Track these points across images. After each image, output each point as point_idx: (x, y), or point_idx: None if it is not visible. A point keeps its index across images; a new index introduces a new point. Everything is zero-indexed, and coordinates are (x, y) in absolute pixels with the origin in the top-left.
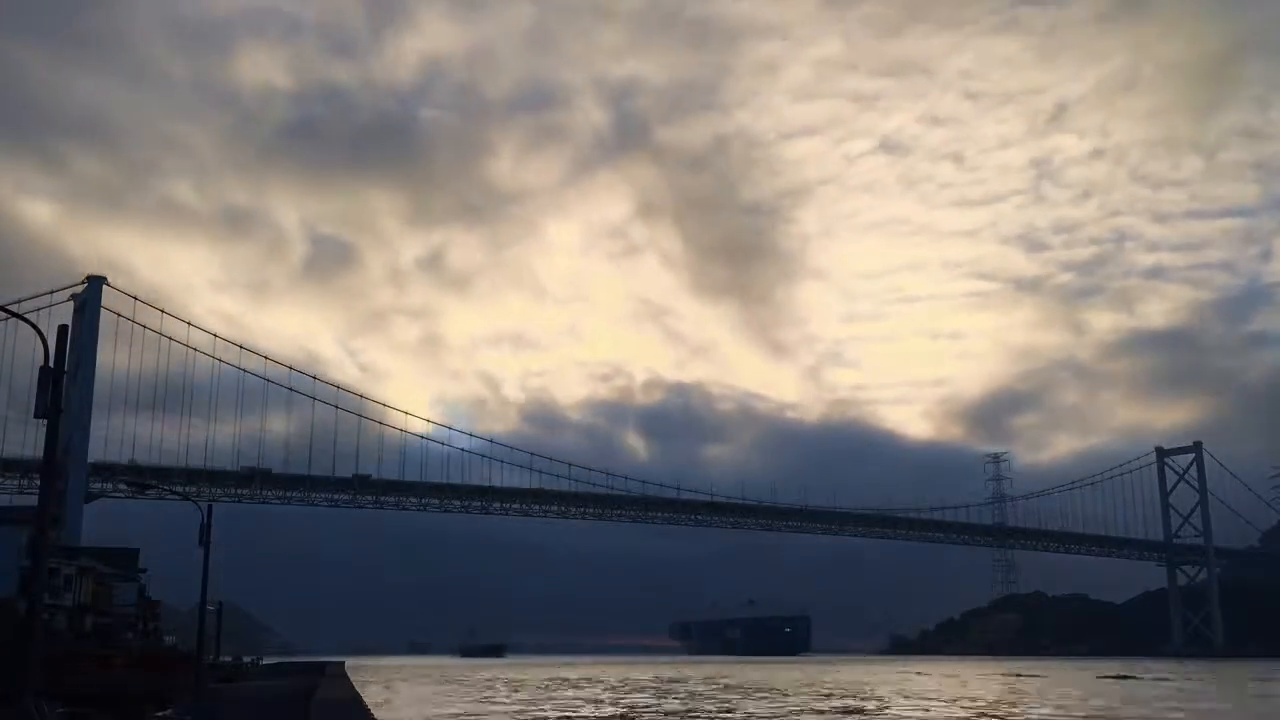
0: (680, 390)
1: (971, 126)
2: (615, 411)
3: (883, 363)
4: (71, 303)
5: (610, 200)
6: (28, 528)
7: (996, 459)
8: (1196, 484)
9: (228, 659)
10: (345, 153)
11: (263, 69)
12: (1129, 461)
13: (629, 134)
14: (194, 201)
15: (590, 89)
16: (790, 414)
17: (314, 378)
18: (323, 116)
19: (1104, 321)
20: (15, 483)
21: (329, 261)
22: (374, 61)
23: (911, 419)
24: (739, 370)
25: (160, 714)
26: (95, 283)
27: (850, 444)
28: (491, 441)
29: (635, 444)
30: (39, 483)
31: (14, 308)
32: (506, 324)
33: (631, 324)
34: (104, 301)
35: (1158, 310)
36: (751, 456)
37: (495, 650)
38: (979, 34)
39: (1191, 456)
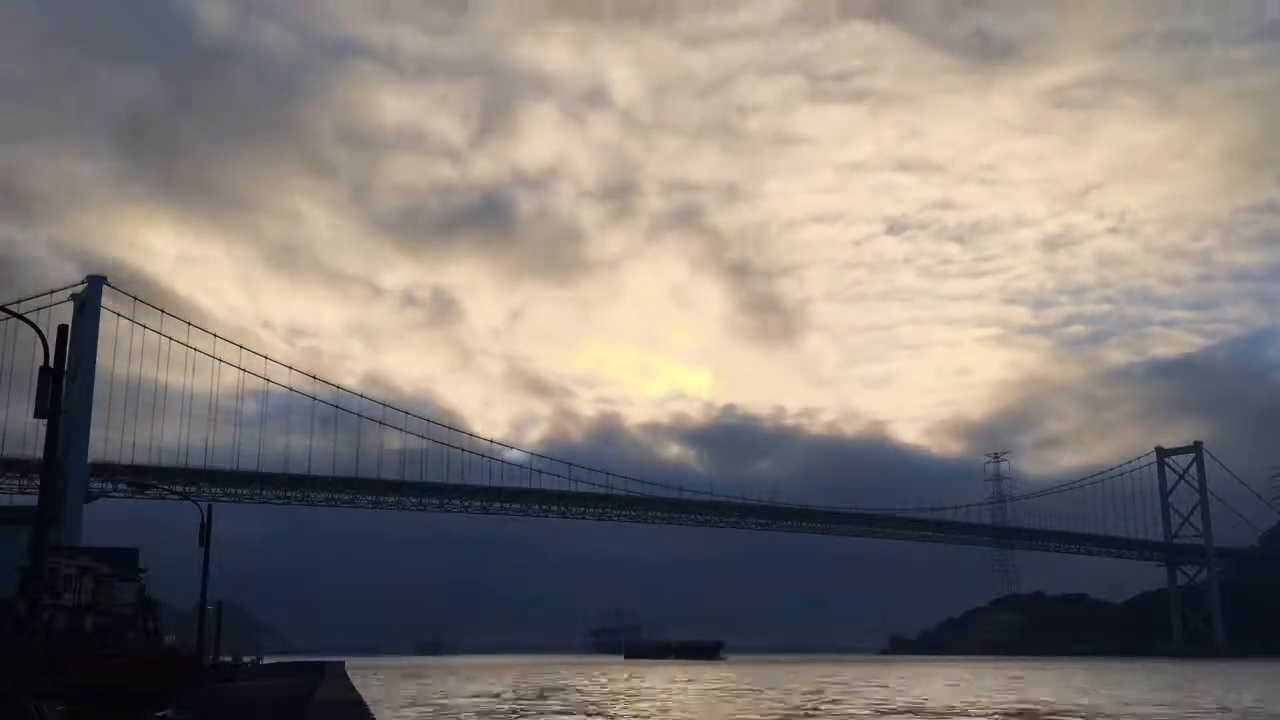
0: (727, 413)
1: (985, 210)
2: (671, 431)
3: (895, 395)
4: (71, 303)
5: (670, 266)
6: (28, 528)
7: (997, 458)
8: (1196, 484)
9: (228, 659)
10: (458, 230)
11: (401, 165)
12: (1129, 461)
13: (684, 217)
14: (342, 267)
15: (653, 183)
16: (815, 434)
17: (314, 377)
18: (440, 203)
19: (1114, 357)
20: (15, 483)
21: (440, 316)
22: (482, 160)
23: (920, 439)
24: (771, 399)
25: (160, 714)
26: (95, 283)
27: (868, 458)
28: (493, 442)
29: (686, 456)
30: (39, 483)
31: (14, 308)
32: (584, 363)
33: (688, 363)
34: (104, 301)
35: (1167, 351)
36: (781, 468)
37: (706, 651)
38: (1006, 133)
39: (1191, 457)
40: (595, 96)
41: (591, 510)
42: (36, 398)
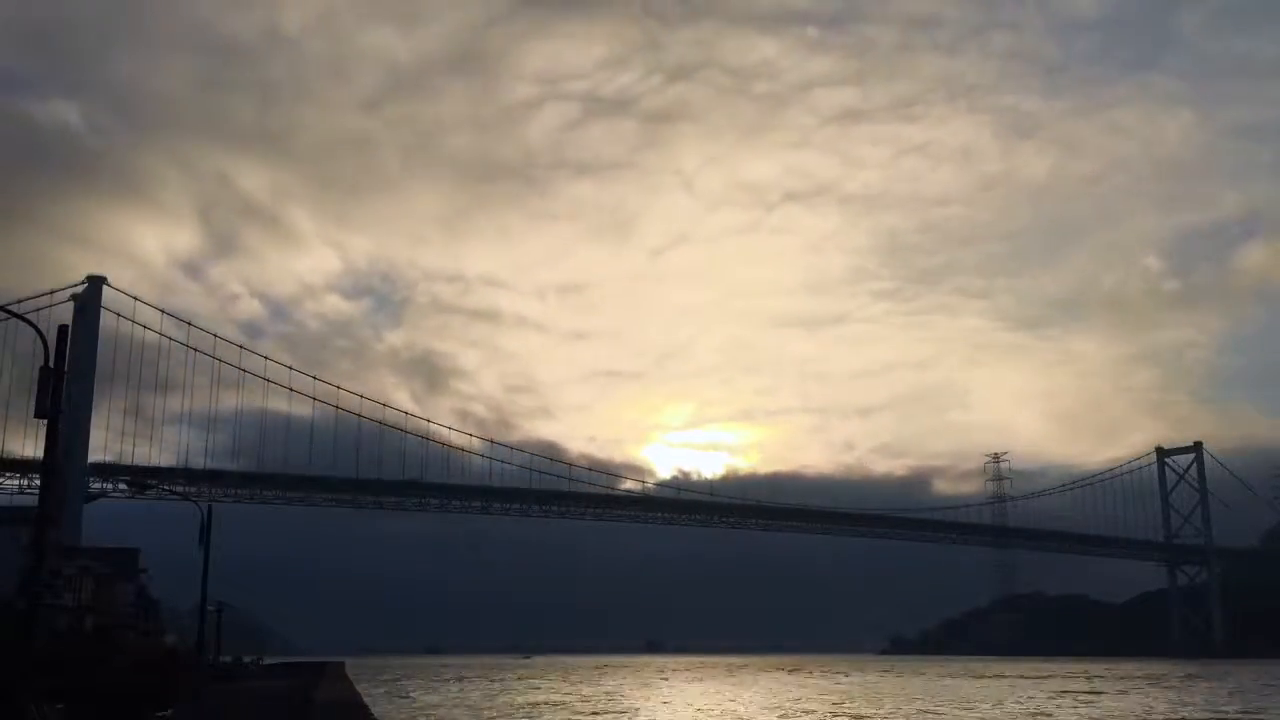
0: None
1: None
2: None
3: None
4: (72, 303)
5: None
6: (28, 528)
7: (997, 459)
8: (1196, 484)
9: (228, 659)
10: None
11: None
12: (1129, 461)
13: None
14: None
15: None
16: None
17: (314, 377)
18: None
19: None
20: (15, 483)
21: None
22: None
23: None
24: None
25: (160, 714)
26: (95, 283)
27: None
28: (493, 442)
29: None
30: (39, 483)
31: (14, 308)
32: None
33: None
34: (104, 301)
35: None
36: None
37: None
38: None
39: (1192, 457)
40: None
41: (591, 510)
42: (36, 398)
